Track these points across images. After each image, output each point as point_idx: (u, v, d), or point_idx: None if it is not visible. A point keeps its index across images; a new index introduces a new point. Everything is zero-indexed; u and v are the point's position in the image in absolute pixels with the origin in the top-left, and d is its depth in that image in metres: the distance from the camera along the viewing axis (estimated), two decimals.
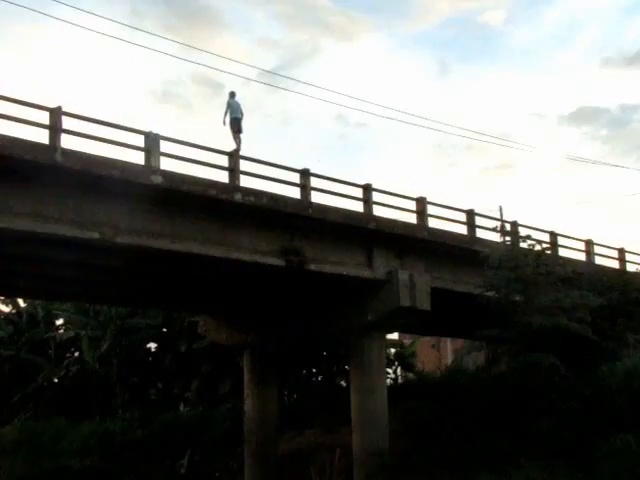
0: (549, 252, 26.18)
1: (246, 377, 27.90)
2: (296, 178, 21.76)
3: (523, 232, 26.33)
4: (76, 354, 38.34)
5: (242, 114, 22.97)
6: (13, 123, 16.45)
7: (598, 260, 30.38)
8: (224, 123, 22.76)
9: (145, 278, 22.94)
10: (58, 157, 16.49)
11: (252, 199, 20.06)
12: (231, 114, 22.80)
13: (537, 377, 23.12)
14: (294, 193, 21.62)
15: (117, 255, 19.56)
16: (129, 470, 28.56)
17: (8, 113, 16.42)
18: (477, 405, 24.30)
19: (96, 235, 17.63)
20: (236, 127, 22.68)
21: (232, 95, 23.12)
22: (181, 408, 34.45)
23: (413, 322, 25.64)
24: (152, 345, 37.58)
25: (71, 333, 37.30)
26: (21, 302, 39.83)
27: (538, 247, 25.19)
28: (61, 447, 30.47)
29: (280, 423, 27.70)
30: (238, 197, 19.76)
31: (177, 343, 34.49)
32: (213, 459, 28.25)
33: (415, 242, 24.05)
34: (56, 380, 37.73)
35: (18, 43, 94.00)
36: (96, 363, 35.40)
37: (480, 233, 26.26)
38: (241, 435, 27.37)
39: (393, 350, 39.25)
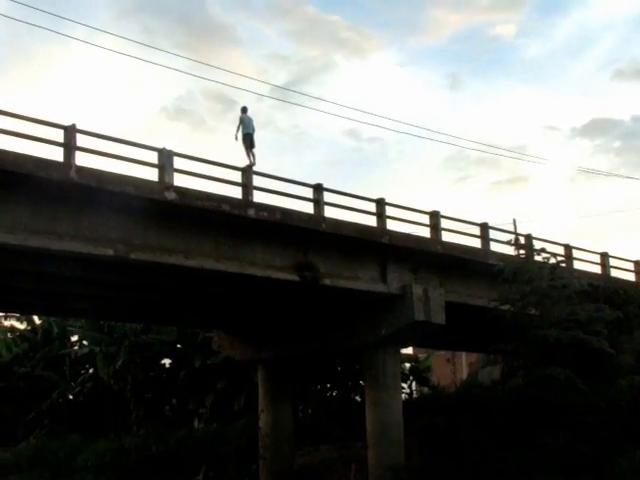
0: (564, 265, 26.05)
1: (260, 393, 27.83)
2: (309, 193, 21.76)
3: (537, 245, 26.20)
4: (91, 370, 38.42)
5: (254, 129, 23.01)
6: (28, 141, 16.55)
7: (614, 273, 30.19)
8: (236, 138, 22.80)
9: (159, 294, 22.95)
10: (72, 174, 16.56)
11: (265, 214, 20.06)
12: (243, 129, 22.83)
13: (553, 391, 22.95)
14: (307, 208, 21.63)
15: (131, 271, 19.60)
16: None
17: (23, 131, 16.54)
18: (493, 419, 24.15)
19: (110, 252, 17.67)
20: (248, 142, 22.73)
21: (244, 110, 23.16)
22: (195, 424, 34.38)
23: (428, 336, 25.52)
24: (166, 361, 37.61)
25: (86, 350, 37.38)
26: (36, 319, 39.99)
27: (553, 260, 25.09)
28: (76, 464, 30.47)
29: (295, 438, 27.59)
30: (251, 212, 19.77)
31: (191, 359, 34.49)
32: (228, 475, 28.13)
33: (429, 256, 23.97)
34: (71, 397, 37.81)
35: (33, 62, 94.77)
36: (111, 379, 35.44)
37: (494, 246, 26.17)
38: (256, 451, 27.27)
39: (408, 365, 39.10)
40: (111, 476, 29.30)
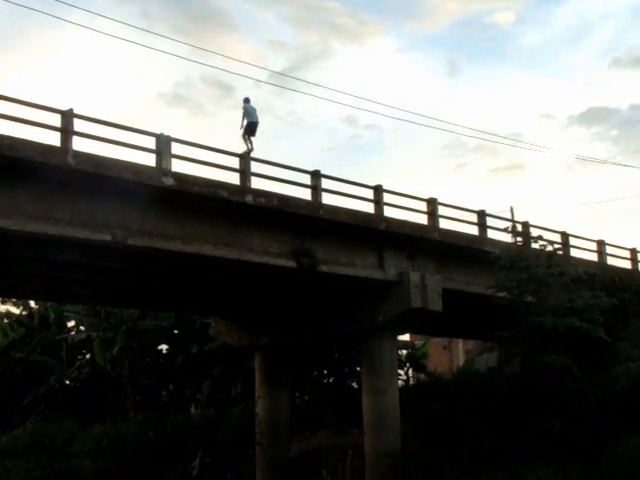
0: (561, 252, 26.10)
1: (257, 379, 27.88)
2: (307, 179, 21.76)
3: (534, 233, 26.25)
4: (88, 356, 38.43)
5: (258, 119, 23.00)
6: (25, 125, 16.51)
7: (610, 260, 30.29)
8: (242, 128, 22.79)
9: (156, 280, 22.96)
10: (70, 159, 16.52)
11: (263, 201, 20.05)
12: (248, 119, 22.84)
13: (549, 378, 23.02)
14: (305, 194, 21.63)
15: (128, 257, 19.59)
16: (141, 472, 28.53)
17: (20, 116, 16.48)
18: (489, 406, 24.24)
19: (108, 237, 17.65)
20: (250, 131, 22.71)
21: (247, 100, 23.18)
22: (192, 410, 34.42)
23: (424, 323, 25.58)
24: (163, 347, 37.62)
25: (83, 335, 37.40)
26: (32, 304, 39.95)
27: (550, 247, 25.14)
28: (73, 449, 30.49)
29: (292, 425, 27.66)
30: (249, 199, 19.75)
31: (188, 345, 34.49)
32: (225, 461, 28.19)
33: (426, 243, 24.00)
34: (68, 382, 37.81)
35: (31, 46, 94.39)
36: (108, 365, 35.46)
37: (491, 234, 26.23)
38: (253, 437, 27.34)
39: (404, 351, 39.14)
40: (108, 462, 29.31)
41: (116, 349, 34.83)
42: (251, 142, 22.64)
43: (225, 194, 19.29)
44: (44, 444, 31.10)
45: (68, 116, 16.96)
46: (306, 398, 34.71)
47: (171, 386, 37.30)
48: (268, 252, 20.79)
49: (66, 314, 38.50)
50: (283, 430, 27.12)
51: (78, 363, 37.64)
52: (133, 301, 27.71)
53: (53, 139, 16.81)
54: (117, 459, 29.39)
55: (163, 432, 29.72)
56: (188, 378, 35.04)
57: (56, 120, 16.99)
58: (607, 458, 19.99)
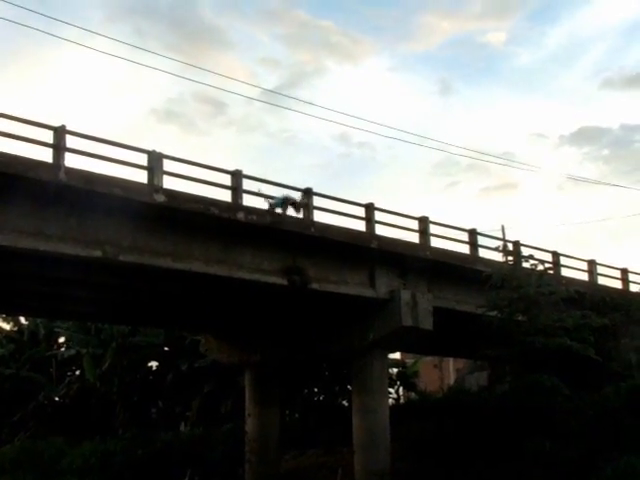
0: (552, 272, 26.16)
1: (247, 396, 27.79)
2: (298, 197, 21.75)
3: (525, 252, 26.29)
4: (77, 372, 38.25)
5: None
6: (17, 141, 16.51)
7: (601, 280, 30.33)
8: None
9: (147, 296, 22.91)
10: (62, 175, 16.52)
11: (255, 218, 20.06)
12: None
13: (540, 397, 23.02)
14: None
15: (119, 273, 19.57)
16: None
17: (13, 131, 16.49)
18: (480, 425, 24.19)
19: (99, 253, 17.63)
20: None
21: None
22: (182, 427, 34.30)
23: (415, 341, 25.57)
24: (153, 363, 37.50)
25: (72, 351, 37.23)
26: (23, 320, 39.78)
27: (540, 267, 25.21)
28: (61, 466, 30.27)
29: (281, 443, 27.56)
30: (241, 216, 19.77)
31: (178, 362, 34.40)
32: (214, 479, 28.06)
33: (417, 261, 24.02)
34: (57, 398, 37.60)
35: (25, 62, 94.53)
36: (97, 381, 35.31)
37: (482, 252, 26.28)
38: (242, 455, 27.23)
39: (395, 370, 39.09)
40: (96, 479, 29.16)
41: (106, 365, 34.70)
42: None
43: (216, 211, 19.29)
44: (32, 461, 30.83)
45: (60, 132, 16.98)
46: (296, 416, 34.62)
47: (160, 403, 37.16)
48: (259, 269, 20.77)
49: (56, 330, 38.35)
50: (273, 448, 27.03)
51: (67, 380, 37.45)
52: (124, 317, 27.64)
53: (45, 155, 16.84)
54: (105, 477, 29.21)
55: (152, 449, 29.59)
56: (178, 395, 34.93)
57: (48, 136, 17.02)
58: (597, 478, 19.97)
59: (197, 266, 19.52)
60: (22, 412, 35.83)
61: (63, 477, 29.38)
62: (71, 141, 17.24)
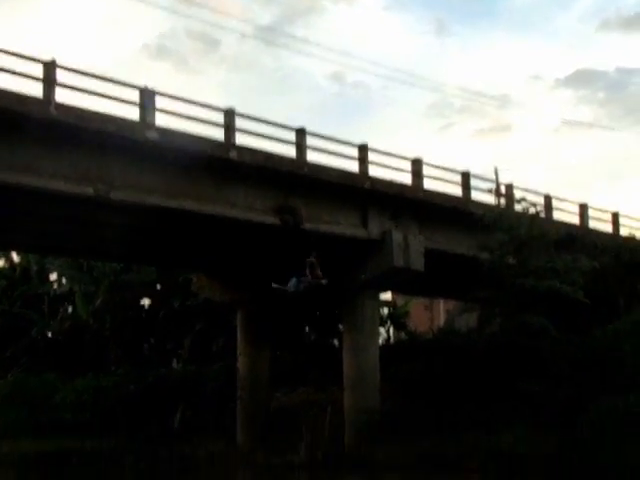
0: (543, 215, 26.18)
1: (239, 335, 27.99)
2: (292, 136, 21.62)
3: (518, 194, 26.30)
4: (70, 309, 38.36)
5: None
6: (7, 75, 16.29)
7: (592, 224, 30.38)
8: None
9: (140, 234, 22.84)
10: (52, 110, 16.36)
11: (247, 157, 19.97)
12: None
13: (528, 339, 23.26)
14: (290, 152, 21.51)
15: (111, 211, 19.50)
16: (122, 425, 28.77)
17: (2, 65, 16.24)
18: (469, 366, 24.47)
19: (90, 191, 17.57)
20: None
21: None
22: (174, 364, 34.60)
23: (406, 282, 25.70)
24: (146, 301, 37.62)
25: (65, 288, 37.30)
26: (15, 256, 39.74)
27: (532, 210, 25.21)
28: (55, 402, 30.65)
29: (272, 381, 27.85)
30: (233, 155, 19.67)
31: (171, 300, 34.53)
32: (205, 415, 28.45)
33: (410, 203, 24.02)
34: (49, 335, 37.78)
35: None
36: (90, 318, 35.45)
37: (475, 195, 26.25)
38: (233, 392, 27.54)
39: (386, 310, 39.36)
40: (89, 415, 29.53)
41: (98, 303, 34.80)
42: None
43: (209, 150, 19.19)
44: (26, 396, 31.20)
45: (51, 67, 16.75)
46: (287, 355, 34.92)
47: (153, 341, 37.39)
48: (252, 209, 20.76)
49: (48, 267, 38.35)
50: (264, 386, 27.33)
51: (60, 316, 37.56)
52: (116, 254, 27.55)
53: (35, 90, 16.62)
54: (99, 412, 29.60)
55: (144, 386, 29.92)
56: (170, 333, 35.14)
57: (38, 71, 16.78)
58: (582, 420, 20.30)
59: (189, 204, 19.49)
60: (14, 348, 36.03)
61: (56, 412, 29.77)
62: (62, 76, 17.03)
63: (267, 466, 24.09)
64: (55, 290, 38.11)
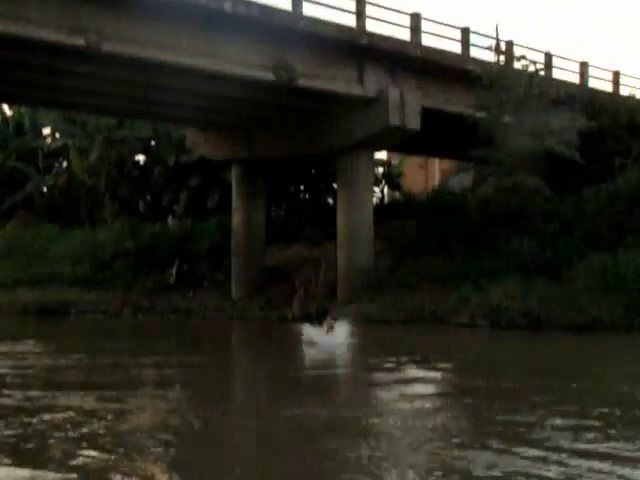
0: (543, 73, 25.80)
1: (234, 191, 28.09)
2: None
3: (518, 52, 25.82)
4: (64, 164, 38.30)
5: None
6: None
7: (592, 83, 30.00)
8: None
9: (133, 88, 22.53)
10: None
11: (242, 9, 19.48)
12: None
13: (521, 198, 23.44)
14: (286, 4, 20.96)
15: (103, 63, 19.16)
16: (119, 278, 29.33)
17: None
18: (461, 225, 24.77)
19: (81, 42, 17.19)
20: None
21: None
22: (169, 221, 34.88)
23: (402, 141, 25.60)
24: (140, 158, 37.51)
25: (59, 143, 37.07)
26: (7, 110, 39.30)
27: (532, 67, 24.83)
28: (51, 254, 31.09)
29: (267, 237, 28.20)
30: (227, 7, 19.17)
31: (165, 156, 34.42)
32: (200, 269, 28.96)
33: (407, 60, 23.60)
34: (45, 189, 37.89)
35: None
36: (85, 174, 35.45)
37: (474, 52, 25.76)
38: (228, 248, 27.93)
39: (381, 169, 39.38)
40: (87, 267, 30.03)
41: (93, 158, 34.69)
42: None
43: (204, 1, 18.67)
44: (23, 248, 31.63)
45: None
46: (282, 212, 35.19)
47: (148, 197, 37.54)
48: (247, 64, 20.41)
49: (41, 121, 37.99)
50: (259, 241, 27.69)
51: (55, 171, 37.55)
52: (111, 108, 27.21)
53: None
54: (96, 265, 30.09)
55: (141, 241, 30.30)
56: (165, 189, 35.22)
57: None
58: (570, 274, 20.77)
59: (184, 59, 19.18)
60: (10, 201, 36.21)
61: (54, 264, 30.24)
62: None
63: (261, 319, 24.76)
64: (49, 145, 37.90)
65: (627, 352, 16.61)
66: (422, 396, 10.72)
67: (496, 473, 6.55)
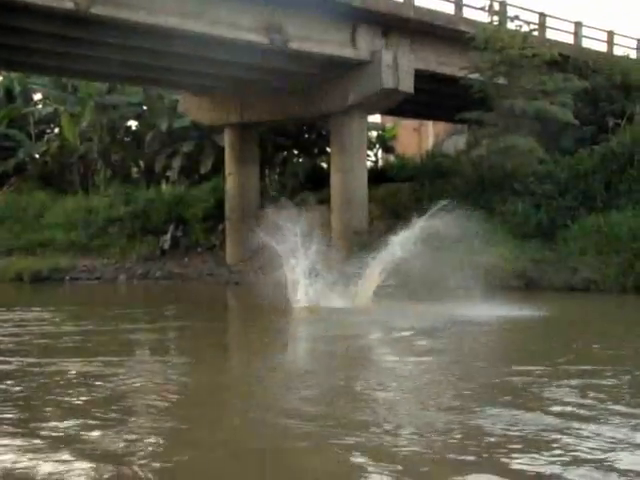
0: (536, 34, 25.62)
1: (227, 155, 27.97)
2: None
3: (512, 12, 25.62)
4: (56, 130, 38.07)
5: None
6: None
7: (586, 43, 29.79)
8: None
9: (122, 52, 22.25)
10: None
11: None
12: None
13: (515, 160, 23.38)
14: None
15: (93, 28, 18.95)
16: (113, 245, 29.30)
17: None
18: (455, 188, 24.71)
19: (70, 5, 16.99)
20: None
21: None
22: (163, 186, 34.77)
23: (395, 104, 25.46)
24: (133, 123, 37.28)
25: (50, 108, 36.80)
26: None
27: (526, 28, 24.66)
28: (45, 220, 31.00)
29: (261, 201, 28.12)
30: None
31: (158, 122, 34.20)
32: (195, 235, 28.92)
33: (400, 21, 23.39)
34: (37, 156, 37.68)
35: None
36: (77, 140, 35.23)
37: (468, 13, 25.54)
38: (222, 213, 27.88)
39: (374, 133, 39.24)
40: (81, 234, 29.96)
41: (84, 124, 34.45)
42: None
43: None
44: (17, 214, 31.53)
45: None
46: (276, 177, 35.09)
47: (141, 162, 37.38)
48: (238, 26, 20.20)
49: (31, 86, 37.66)
50: (252, 206, 27.60)
51: (47, 137, 37.33)
52: (102, 73, 26.91)
53: None
54: (89, 231, 30.03)
55: (134, 207, 30.21)
56: (158, 155, 35.05)
57: None
58: (563, 235, 20.80)
59: (173, 21, 18.98)
60: (3, 168, 36.03)
61: (48, 230, 30.17)
62: None
63: (255, 284, 24.76)
64: (40, 110, 37.62)
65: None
66: None
67: None
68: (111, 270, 27.65)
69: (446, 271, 21.35)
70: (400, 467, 6.08)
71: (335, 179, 24.69)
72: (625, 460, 6.16)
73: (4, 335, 13.49)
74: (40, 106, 38.54)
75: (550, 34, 28.11)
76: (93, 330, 14.36)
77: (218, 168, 30.35)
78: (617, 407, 7.65)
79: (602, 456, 6.25)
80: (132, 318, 16.45)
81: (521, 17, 25.20)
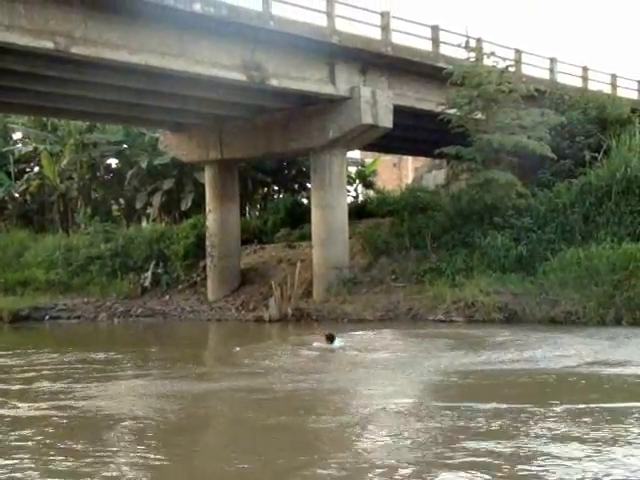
0: (513, 69, 25.99)
1: (208, 192, 28.00)
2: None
3: (488, 49, 25.98)
4: (36, 169, 38.06)
5: None
6: None
7: (561, 78, 30.24)
8: None
9: (104, 91, 22.38)
10: None
11: (212, 10, 19.37)
12: None
13: (494, 194, 23.60)
14: (256, 5, 20.88)
15: (73, 67, 19.04)
16: (94, 283, 29.15)
17: None
18: (435, 222, 24.90)
19: (50, 45, 17.04)
20: None
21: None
22: (144, 223, 34.75)
23: (375, 140, 25.68)
24: (113, 161, 37.36)
25: (30, 147, 36.83)
26: None
27: (502, 64, 25.02)
28: (25, 260, 30.83)
29: (242, 238, 28.16)
30: (197, 7, 19.06)
31: (138, 159, 34.30)
32: (176, 272, 28.85)
33: (378, 58, 23.66)
34: (17, 195, 37.61)
35: None
36: (57, 178, 35.22)
37: (445, 50, 25.84)
38: (203, 249, 27.86)
39: (354, 168, 39.51)
40: (61, 272, 29.81)
41: (65, 163, 34.49)
42: None
43: (172, 1, 18.58)
44: None
45: None
46: (257, 213, 35.20)
47: (122, 200, 37.40)
48: (217, 64, 20.34)
49: (11, 126, 37.71)
50: (233, 242, 27.64)
51: (26, 176, 37.30)
52: (79, 113, 27.02)
53: None
54: (70, 270, 29.88)
55: (115, 244, 30.11)
56: (139, 192, 35.10)
57: None
58: (544, 269, 20.94)
59: (153, 60, 19.05)
60: None
61: (28, 269, 30.00)
62: None
63: (237, 320, 24.69)
64: (20, 150, 37.63)
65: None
66: None
67: None
68: (91, 308, 27.43)
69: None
70: None
71: (316, 215, 24.76)
72: None
73: None
74: (20, 145, 38.55)
75: (526, 70, 28.55)
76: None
77: (199, 205, 30.38)
78: None
79: None
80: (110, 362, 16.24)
81: (497, 53, 25.54)
